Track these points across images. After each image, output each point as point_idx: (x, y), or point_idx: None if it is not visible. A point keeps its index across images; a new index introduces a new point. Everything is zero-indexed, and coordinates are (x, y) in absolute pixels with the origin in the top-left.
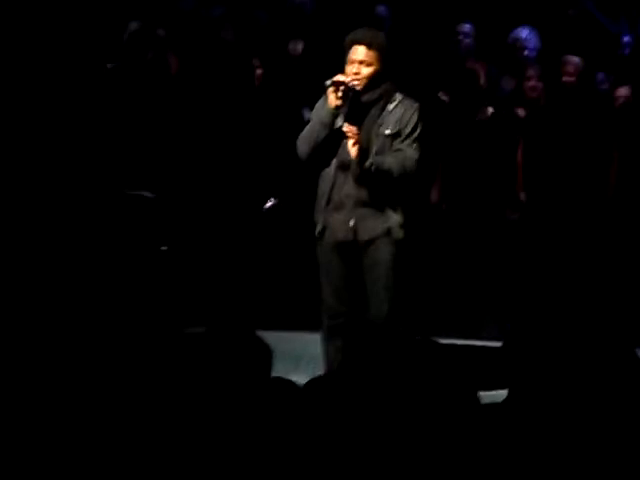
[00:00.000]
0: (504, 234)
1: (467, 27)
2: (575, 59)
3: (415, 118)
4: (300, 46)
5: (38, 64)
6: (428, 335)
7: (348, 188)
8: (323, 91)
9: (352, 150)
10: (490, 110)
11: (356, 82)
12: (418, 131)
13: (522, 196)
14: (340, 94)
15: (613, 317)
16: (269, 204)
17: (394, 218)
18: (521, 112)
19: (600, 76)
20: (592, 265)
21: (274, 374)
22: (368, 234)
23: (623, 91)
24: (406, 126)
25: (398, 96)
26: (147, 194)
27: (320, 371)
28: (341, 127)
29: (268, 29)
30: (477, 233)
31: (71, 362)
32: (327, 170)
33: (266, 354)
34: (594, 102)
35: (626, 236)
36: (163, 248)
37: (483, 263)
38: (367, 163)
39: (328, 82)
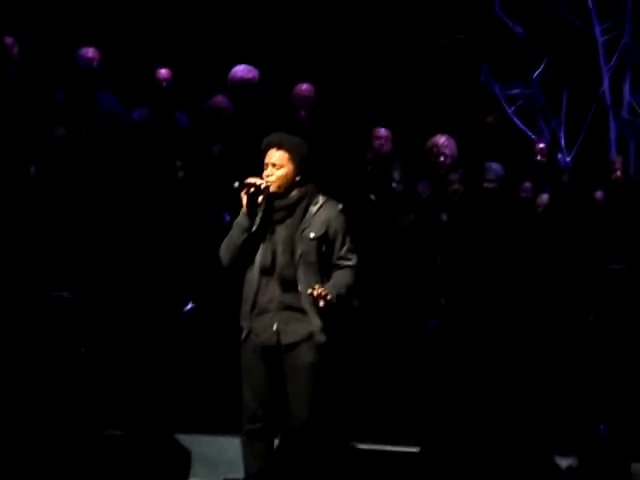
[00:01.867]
0: (424, 340)
1: (383, 131)
2: (496, 166)
3: (343, 221)
4: (218, 149)
5: None
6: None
7: (272, 292)
8: (235, 192)
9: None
10: (411, 217)
11: (268, 183)
12: (350, 235)
13: (442, 301)
14: (251, 195)
15: (534, 423)
16: (188, 307)
17: (316, 322)
18: (444, 217)
19: (526, 184)
20: (511, 369)
21: (192, 478)
22: (291, 338)
23: (543, 198)
24: (337, 232)
25: (321, 198)
26: (66, 295)
27: (238, 475)
28: (260, 231)
29: (189, 131)
30: (397, 338)
31: None
32: (251, 274)
33: (184, 457)
34: (515, 208)
35: (545, 340)
36: (82, 349)
37: (403, 369)
38: (334, 298)
39: (236, 184)
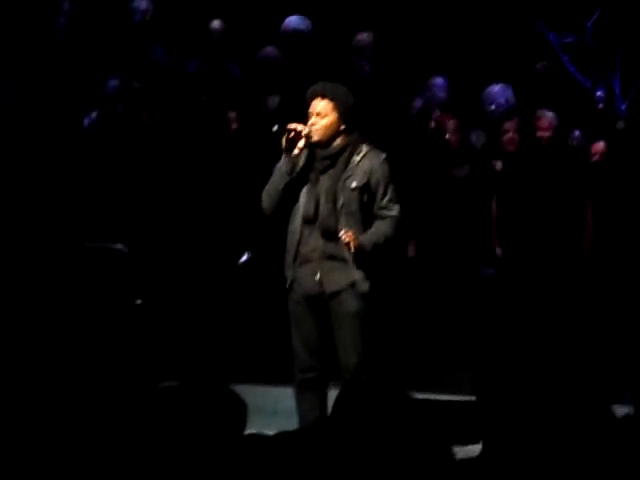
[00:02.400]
0: (480, 289)
1: (440, 80)
2: (549, 114)
3: (385, 171)
4: (276, 100)
5: (13, 118)
6: (402, 389)
7: (314, 242)
8: (274, 136)
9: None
10: (467, 167)
11: (311, 132)
12: (393, 185)
13: (498, 251)
14: (291, 140)
15: (589, 373)
16: (244, 258)
17: (359, 271)
18: (498, 165)
19: (576, 133)
20: (568, 321)
21: (249, 428)
22: (333, 287)
23: (598, 147)
24: (378, 181)
25: (364, 147)
26: (121, 247)
27: (295, 426)
28: (303, 180)
29: (243, 83)
30: (453, 288)
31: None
32: (293, 224)
33: (240, 408)
34: (568, 157)
35: (602, 293)
36: (137, 302)
37: (458, 318)
38: (368, 245)
39: (275, 127)
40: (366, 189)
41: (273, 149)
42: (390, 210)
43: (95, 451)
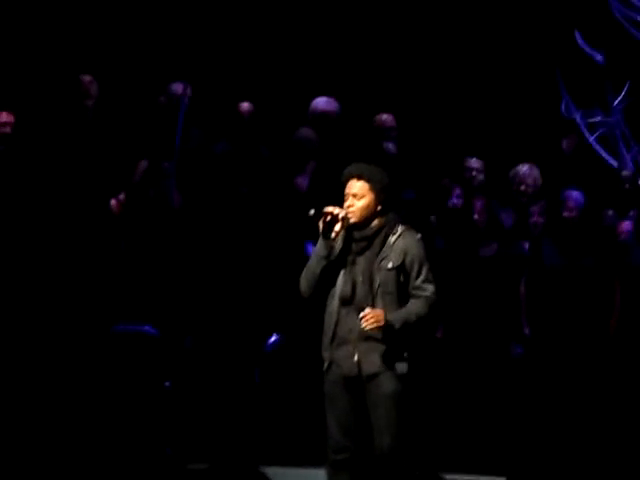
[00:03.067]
0: (509, 369)
1: (476, 162)
2: (575, 194)
3: (420, 250)
4: (306, 181)
5: (47, 202)
6: (434, 471)
7: (351, 322)
8: (310, 220)
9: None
10: (494, 246)
11: (349, 214)
12: (428, 265)
13: (526, 330)
14: (328, 223)
15: (617, 456)
16: (273, 339)
17: (397, 352)
18: (526, 246)
19: (609, 212)
20: (595, 402)
21: None
22: (372, 368)
23: (625, 226)
24: (413, 261)
25: (400, 228)
26: (150, 330)
27: None
28: (341, 261)
29: (272, 164)
30: (482, 368)
31: None
32: (331, 305)
33: None
34: (596, 237)
35: (628, 374)
36: (166, 384)
37: (488, 398)
38: (401, 323)
39: (312, 211)
40: (402, 269)
41: (304, 231)
42: (424, 290)
43: None
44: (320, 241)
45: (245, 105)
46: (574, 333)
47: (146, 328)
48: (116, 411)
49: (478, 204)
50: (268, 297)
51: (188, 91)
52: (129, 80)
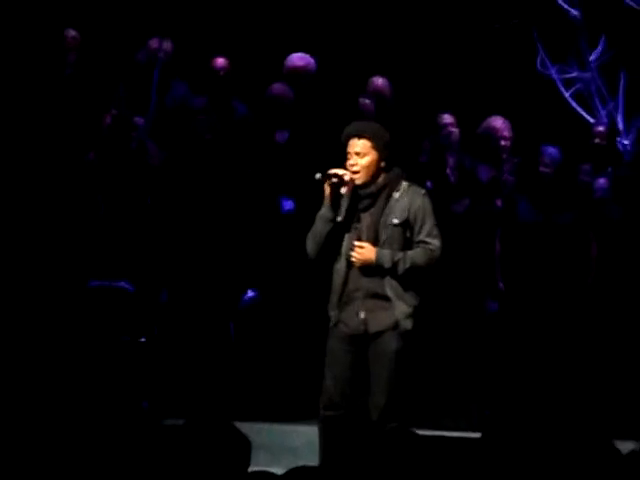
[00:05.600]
0: (483, 324)
1: (449, 117)
2: (551, 150)
3: (424, 206)
4: (285, 135)
5: (23, 153)
6: (409, 427)
7: (357, 280)
8: (316, 183)
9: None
10: (466, 202)
11: (354, 175)
12: (433, 218)
13: (501, 286)
14: (334, 186)
15: (592, 408)
16: (249, 295)
17: (401, 309)
18: (499, 202)
19: (585, 167)
20: (571, 354)
21: (254, 466)
22: (377, 327)
23: (601, 183)
24: (416, 216)
25: (404, 184)
26: (125, 285)
27: (300, 463)
28: (346, 220)
29: (247, 120)
30: (456, 324)
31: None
32: (338, 265)
33: (245, 446)
34: (572, 192)
35: (605, 325)
36: (142, 339)
37: (463, 354)
38: (390, 262)
39: (318, 175)
40: (407, 225)
41: (279, 186)
42: (427, 244)
43: None
44: (326, 204)
45: (220, 60)
46: (549, 289)
47: (122, 283)
48: (92, 366)
49: (450, 160)
50: (244, 252)
51: (165, 46)
52: (108, 35)
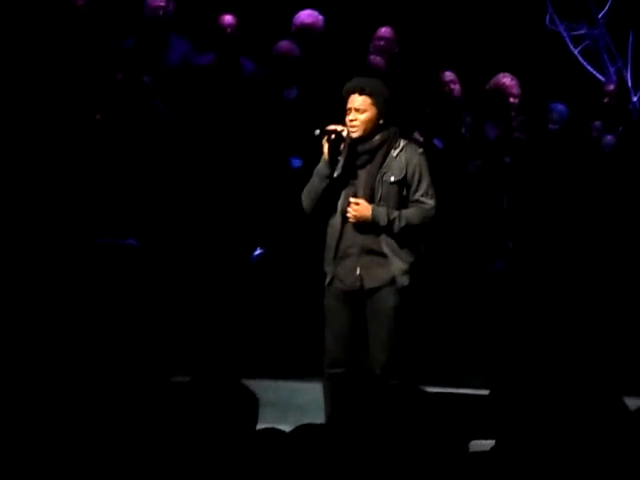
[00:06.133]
0: (491, 283)
1: (450, 74)
2: (560, 107)
3: (421, 164)
4: (294, 92)
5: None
6: (416, 384)
7: (353, 237)
8: (316, 139)
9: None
10: (478, 161)
11: (352, 130)
12: (429, 178)
13: (510, 244)
14: (332, 143)
15: (602, 364)
16: (256, 252)
17: (397, 265)
18: (508, 160)
19: (597, 123)
20: (580, 313)
21: (262, 423)
22: (373, 283)
23: (608, 140)
24: (414, 174)
25: (402, 142)
26: (133, 243)
27: (307, 420)
28: (342, 176)
29: (259, 76)
30: (464, 282)
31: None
32: (333, 220)
33: (253, 403)
34: (581, 149)
35: (615, 282)
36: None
37: (470, 312)
38: (386, 219)
39: (317, 131)
40: (404, 183)
41: (289, 143)
42: (423, 203)
43: (104, 447)
44: (323, 160)
45: (227, 18)
46: (558, 246)
47: (130, 241)
48: (98, 323)
49: (467, 119)
50: (253, 210)
51: (169, 4)
52: None
